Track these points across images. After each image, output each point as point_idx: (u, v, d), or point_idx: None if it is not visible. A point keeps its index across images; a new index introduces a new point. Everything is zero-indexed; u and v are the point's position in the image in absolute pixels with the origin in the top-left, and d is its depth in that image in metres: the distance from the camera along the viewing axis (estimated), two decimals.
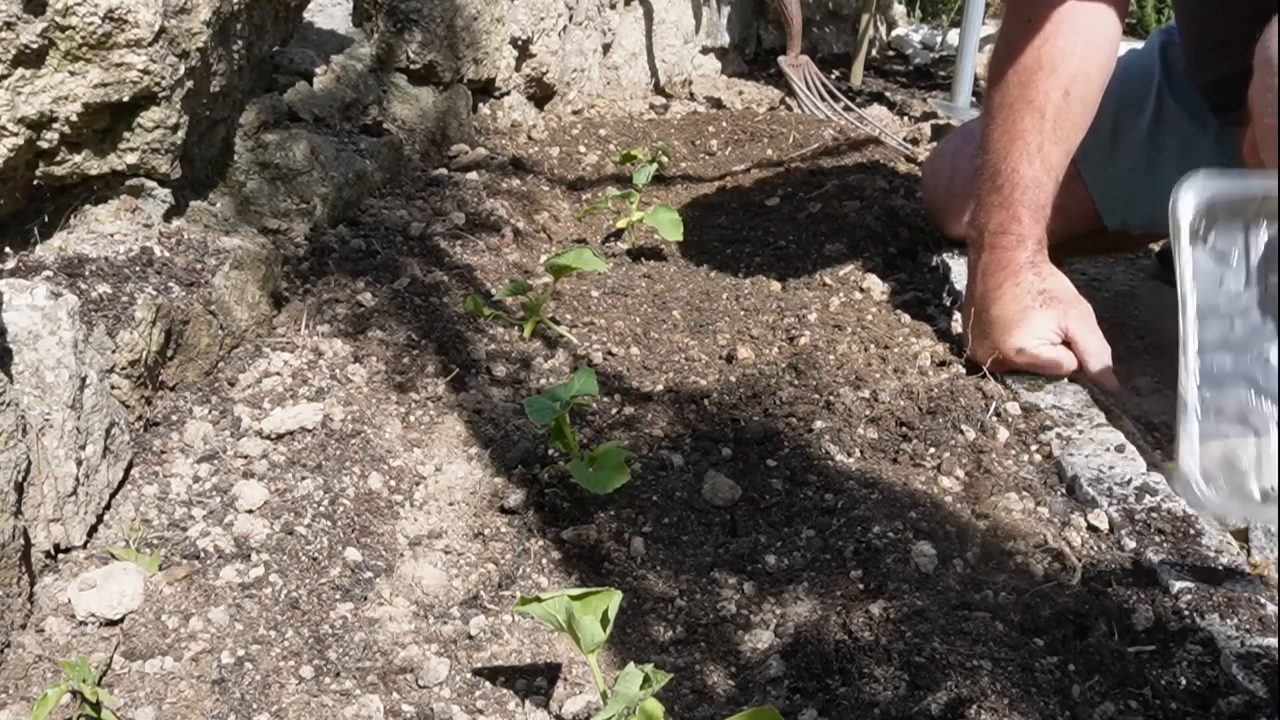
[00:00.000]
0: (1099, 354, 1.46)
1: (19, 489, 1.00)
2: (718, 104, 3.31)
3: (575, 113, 2.93)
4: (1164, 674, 0.98)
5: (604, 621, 0.96)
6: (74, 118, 1.33)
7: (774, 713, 0.86)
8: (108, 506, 1.16)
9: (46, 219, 1.40)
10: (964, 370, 1.51)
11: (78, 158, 1.38)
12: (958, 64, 3.21)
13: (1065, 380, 1.49)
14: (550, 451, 1.34)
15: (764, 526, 1.25)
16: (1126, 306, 2.11)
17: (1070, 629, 1.05)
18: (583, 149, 2.59)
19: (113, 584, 1.05)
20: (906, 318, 1.68)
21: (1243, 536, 1.23)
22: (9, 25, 1.25)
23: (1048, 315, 1.46)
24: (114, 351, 1.20)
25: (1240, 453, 1.01)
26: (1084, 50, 1.48)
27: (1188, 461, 0.99)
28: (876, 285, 1.79)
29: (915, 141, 2.92)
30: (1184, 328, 1.00)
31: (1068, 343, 1.47)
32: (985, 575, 1.14)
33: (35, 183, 1.37)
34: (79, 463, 1.10)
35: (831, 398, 1.45)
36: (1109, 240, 2.01)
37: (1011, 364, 1.47)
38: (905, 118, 3.33)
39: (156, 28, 1.34)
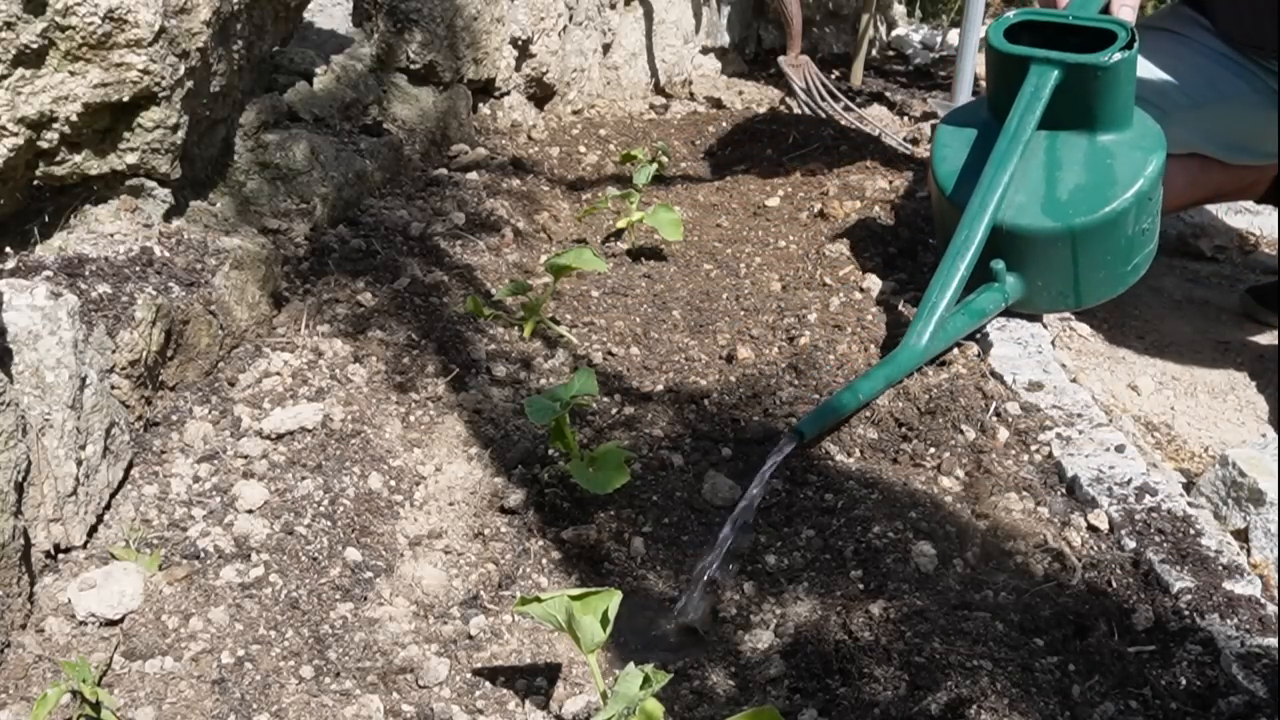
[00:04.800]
0: None
1: (19, 489, 1.00)
2: (718, 104, 3.30)
3: (575, 113, 2.93)
4: (1164, 674, 0.98)
5: (604, 621, 0.96)
6: (74, 118, 1.33)
7: (774, 713, 0.86)
8: (108, 506, 1.16)
9: (46, 219, 1.40)
10: (964, 370, 1.51)
11: (78, 158, 1.38)
12: (958, 64, 3.20)
13: (1065, 379, 1.49)
14: (550, 451, 1.34)
15: (764, 526, 1.25)
16: (1127, 306, 2.10)
17: (1070, 629, 1.05)
18: (583, 149, 2.58)
19: (113, 584, 1.05)
20: (907, 318, 1.68)
21: (1243, 536, 1.23)
22: (9, 25, 1.25)
23: None
24: (114, 351, 1.20)
25: None
26: None
27: None
28: (876, 285, 1.79)
29: (915, 141, 2.92)
30: None
31: None
32: (985, 575, 1.14)
33: (35, 183, 1.37)
34: (79, 463, 1.10)
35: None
36: None
37: None
38: (905, 118, 3.32)
39: (156, 28, 1.34)
